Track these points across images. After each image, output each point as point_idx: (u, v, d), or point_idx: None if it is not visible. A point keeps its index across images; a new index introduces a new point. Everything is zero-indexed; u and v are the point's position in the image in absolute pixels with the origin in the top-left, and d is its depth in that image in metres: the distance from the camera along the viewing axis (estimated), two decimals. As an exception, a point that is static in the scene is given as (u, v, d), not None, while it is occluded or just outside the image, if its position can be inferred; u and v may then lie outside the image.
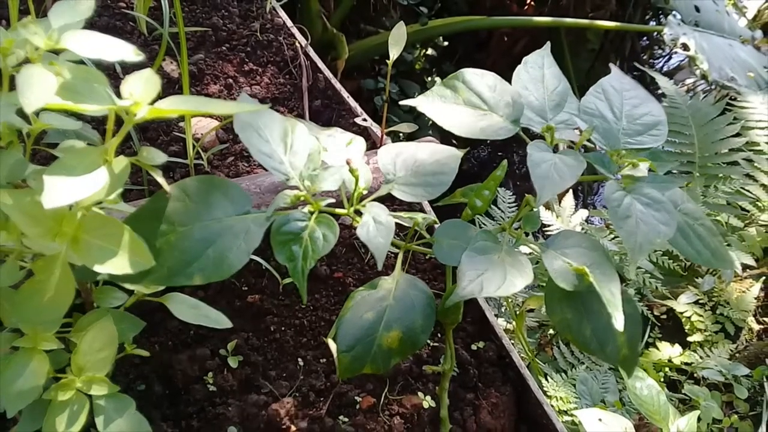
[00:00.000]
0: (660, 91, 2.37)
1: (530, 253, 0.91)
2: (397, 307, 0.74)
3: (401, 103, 0.81)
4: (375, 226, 0.73)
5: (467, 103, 0.80)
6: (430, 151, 0.83)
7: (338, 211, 0.76)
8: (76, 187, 0.57)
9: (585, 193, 3.01)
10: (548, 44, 0.89)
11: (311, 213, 0.73)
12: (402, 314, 0.73)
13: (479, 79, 0.82)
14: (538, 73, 0.85)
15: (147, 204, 0.71)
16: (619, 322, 0.69)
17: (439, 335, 1.05)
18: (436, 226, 0.80)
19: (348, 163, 0.76)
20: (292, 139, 0.78)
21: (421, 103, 0.80)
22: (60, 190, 0.56)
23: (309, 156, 0.77)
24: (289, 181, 0.76)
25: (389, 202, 0.98)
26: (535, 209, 0.75)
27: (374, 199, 0.78)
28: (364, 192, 0.77)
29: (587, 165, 0.76)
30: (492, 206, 2.13)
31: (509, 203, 2.15)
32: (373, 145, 1.17)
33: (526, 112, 0.81)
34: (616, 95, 0.84)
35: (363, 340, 0.72)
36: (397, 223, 0.78)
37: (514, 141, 0.81)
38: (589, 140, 0.79)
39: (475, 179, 0.86)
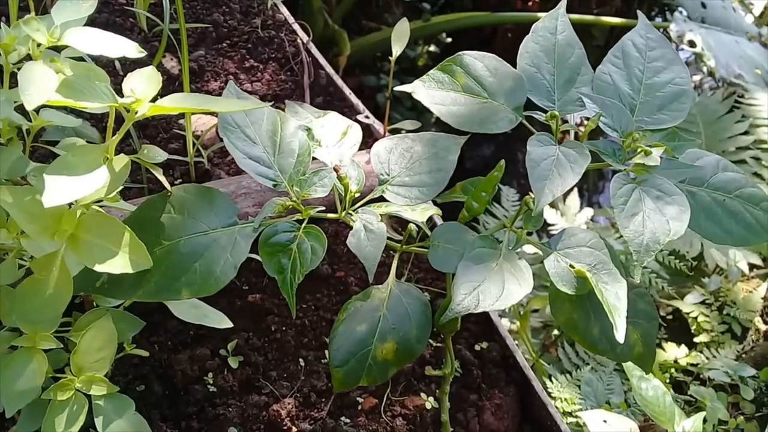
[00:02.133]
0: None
1: (534, 253, 0.89)
2: (390, 318, 0.71)
3: (398, 89, 0.76)
4: (366, 235, 0.70)
5: (466, 90, 0.75)
6: (428, 142, 0.78)
7: (330, 216, 0.73)
8: (77, 185, 0.58)
9: (590, 191, 2.99)
10: (564, 2, 0.80)
11: (300, 222, 0.71)
12: (396, 324, 0.71)
13: (478, 62, 0.77)
14: (549, 41, 0.78)
15: (134, 215, 0.70)
16: (620, 332, 0.65)
17: (441, 336, 1.04)
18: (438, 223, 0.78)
19: (336, 170, 0.73)
20: (282, 137, 0.75)
21: (417, 88, 0.75)
22: (61, 189, 0.56)
23: (298, 157, 0.74)
24: (277, 187, 0.73)
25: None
26: (533, 213, 0.72)
27: (369, 201, 0.75)
28: (358, 194, 0.75)
29: (596, 153, 0.71)
30: (496, 205, 2.11)
31: (513, 202, 2.14)
32: (375, 142, 1.16)
33: (530, 96, 0.75)
34: (637, 59, 0.78)
35: (356, 353, 0.70)
36: (399, 218, 0.76)
37: (518, 137, 0.77)
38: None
39: (478, 176, 0.83)
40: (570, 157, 0.70)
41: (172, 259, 0.67)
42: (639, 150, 0.72)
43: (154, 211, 0.70)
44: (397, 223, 1.07)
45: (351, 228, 0.72)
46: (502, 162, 0.77)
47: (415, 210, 0.74)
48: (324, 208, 0.73)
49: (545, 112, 0.75)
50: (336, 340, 0.71)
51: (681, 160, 0.74)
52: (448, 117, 0.74)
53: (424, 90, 0.75)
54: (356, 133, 0.81)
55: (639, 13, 0.83)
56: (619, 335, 0.65)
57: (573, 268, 0.70)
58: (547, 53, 0.78)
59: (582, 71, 0.78)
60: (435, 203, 0.85)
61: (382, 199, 0.77)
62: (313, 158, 0.77)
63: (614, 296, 0.68)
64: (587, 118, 0.75)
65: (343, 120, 0.82)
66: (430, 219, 0.83)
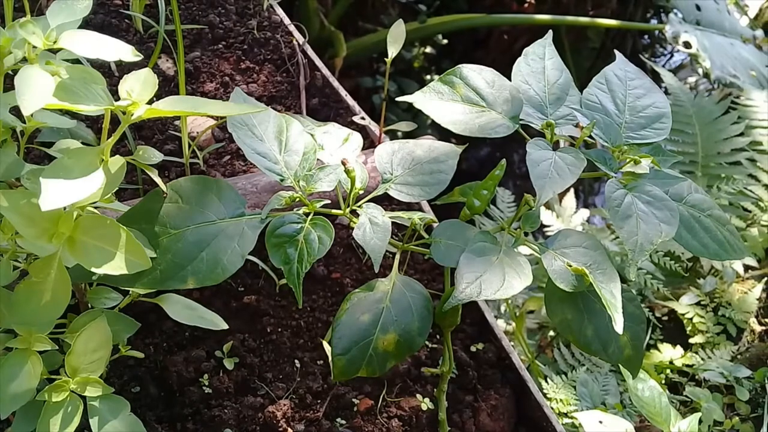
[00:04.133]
0: (663, 87, 2.34)
1: (530, 254, 0.90)
2: (393, 310, 0.73)
3: (398, 99, 0.80)
4: (371, 228, 0.72)
5: (465, 100, 0.79)
6: (429, 148, 0.82)
7: (334, 211, 0.75)
8: (73, 188, 0.58)
9: (585, 192, 3.00)
10: (550, 33, 0.86)
11: (306, 215, 0.72)
12: (398, 317, 0.72)
13: (477, 74, 0.80)
14: (539, 65, 0.83)
15: (139, 205, 0.71)
16: (618, 324, 0.68)
17: (437, 336, 1.04)
18: (435, 225, 0.79)
19: (344, 163, 0.75)
20: (287, 137, 0.77)
21: (418, 99, 0.78)
22: (58, 192, 0.57)
23: (304, 155, 0.77)
24: (284, 182, 0.75)
25: (387, 200, 0.97)
26: (534, 209, 0.74)
27: (372, 199, 0.77)
28: (361, 192, 0.77)
29: (589, 162, 0.75)
30: (491, 206, 2.12)
31: (508, 203, 2.14)
32: (371, 143, 1.16)
33: (525, 108, 0.79)
34: (619, 85, 0.83)
35: (358, 343, 0.71)
36: (395, 223, 0.77)
37: (514, 139, 0.80)
38: (590, 135, 0.78)
39: (474, 179, 0.85)
40: (567, 160, 0.73)
41: (179, 248, 0.68)
42: (628, 160, 0.76)
43: (160, 201, 0.70)
44: (393, 226, 1.07)
45: (348, 229, 0.73)
46: (503, 161, 0.80)
47: (413, 217, 0.77)
48: (329, 202, 0.74)
49: (541, 121, 0.79)
50: (339, 329, 0.71)
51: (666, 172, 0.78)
52: (448, 124, 0.77)
53: (425, 100, 0.78)
54: (357, 140, 0.84)
55: (616, 52, 0.88)
56: (618, 326, 0.68)
57: (570, 266, 0.72)
58: (537, 74, 0.82)
59: (570, 92, 0.82)
60: (435, 205, 0.86)
61: (385, 196, 0.78)
62: (318, 160, 0.78)
63: (609, 293, 0.71)
64: (574, 138, 0.78)
65: (344, 129, 0.85)
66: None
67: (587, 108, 0.80)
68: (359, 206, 0.75)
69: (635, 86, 0.83)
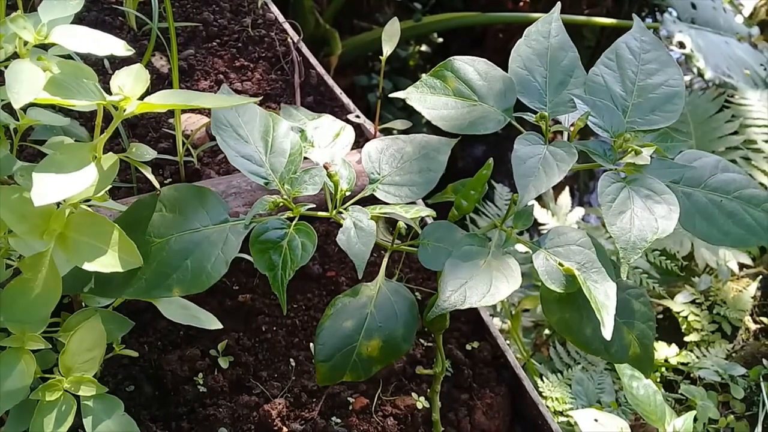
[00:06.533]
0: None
1: (525, 251, 0.89)
2: (377, 316, 0.72)
3: (392, 95, 0.79)
4: (356, 232, 0.71)
5: (456, 94, 0.77)
6: (419, 144, 0.79)
7: (321, 214, 0.74)
8: (65, 184, 0.58)
9: (581, 191, 3.00)
10: (558, 6, 0.81)
11: (290, 219, 0.71)
12: (383, 322, 0.71)
13: (469, 66, 0.78)
14: (542, 44, 0.79)
15: (127, 213, 0.70)
16: (607, 329, 0.65)
17: (432, 335, 1.03)
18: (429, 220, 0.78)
19: (326, 167, 0.74)
20: (274, 137, 0.76)
21: (410, 94, 0.77)
22: (50, 187, 0.57)
23: (290, 156, 0.75)
24: (268, 185, 0.74)
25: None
26: (520, 209, 0.72)
27: (360, 200, 0.76)
28: (348, 193, 0.76)
29: (587, 154, 0.72)
30: (489, 203, 2.12)
31: (506, 200, 2.14)
32: (366, 142, 1.16)
33: (522, 98, 0.76)
34: (631, 60, 0.78)
35: (342, 349, 0.70)
36: (390, 218, 0.76)
37: (511, 137, 0.78)
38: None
39: (470, 177, 0.84)
40: (557, 156, 0.70)
41: (164, 257, 0.68)
42: (630, 150, 0.73)
43: (144, 210, 0.70)
44: (390, 223, 1.07)
45: (342, 227, 0.72)
46: (491, 160, 0.78)
47: (409, 211, 0.75)
48: (315, 205, 0.74)
49: (536, 113, 0.76)
50: (322, 335, 0.71)
51: (676, 161, 0.74)
52: (438, 120, 0.75)
53: (417, 95, 0.77)
54: (349, 135, 0.82)
55: (634, 16, 0.83)
56: (607, 332, 0.66)
57: (562, 266, 0.70)
58: (539, 56, 0.78)
59: (575, 74, 0.78)
60: (428, 204, 0.85)
61: (372, 197, 0.77)
62: (307, 159, 0.77)
63: (603, 294, 0.68)
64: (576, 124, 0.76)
65: (336, 122, 0.83)
66: (422, 219, 0.83)
67: (590, 91, 0.76)
68: (345, 208, 0.74)
69: (649, 60, 0.78)
